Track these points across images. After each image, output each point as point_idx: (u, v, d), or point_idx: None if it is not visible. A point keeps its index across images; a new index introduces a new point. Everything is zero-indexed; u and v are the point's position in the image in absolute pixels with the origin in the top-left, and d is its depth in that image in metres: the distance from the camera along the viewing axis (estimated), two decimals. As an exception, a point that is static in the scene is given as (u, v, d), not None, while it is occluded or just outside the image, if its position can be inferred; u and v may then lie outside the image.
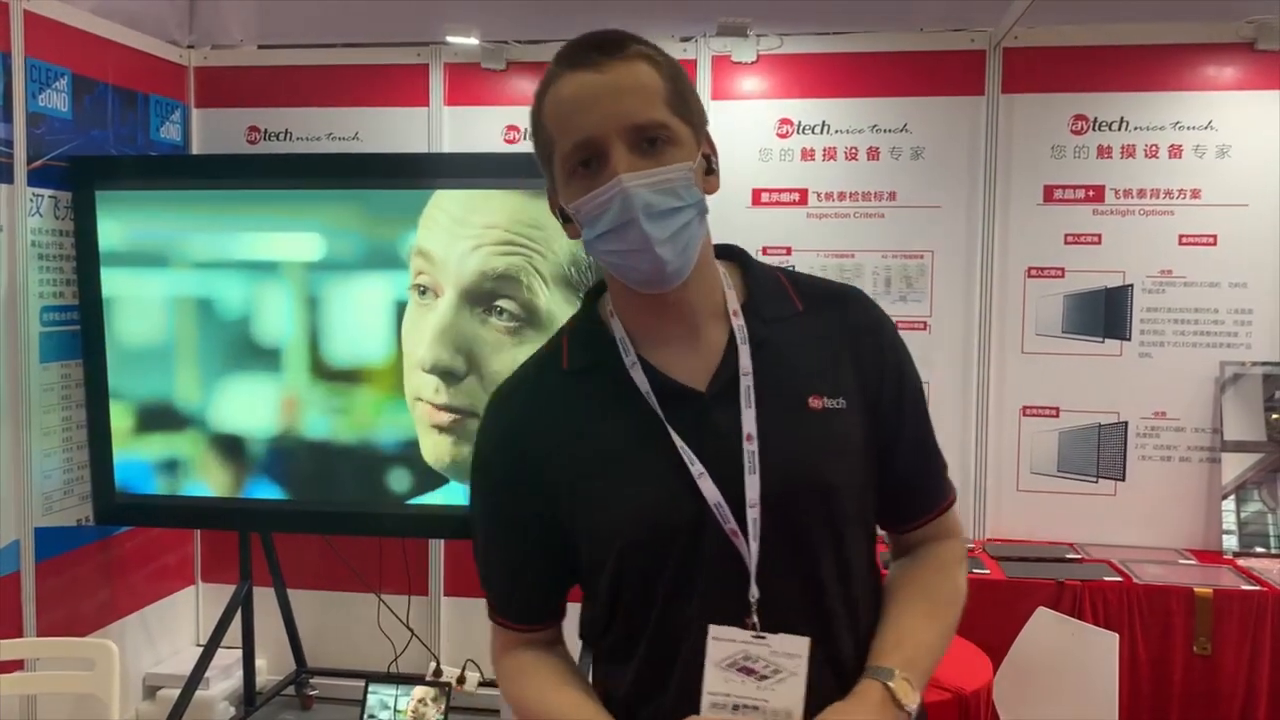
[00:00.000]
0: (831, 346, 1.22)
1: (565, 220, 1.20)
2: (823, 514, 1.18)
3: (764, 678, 1.13)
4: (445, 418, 3.02)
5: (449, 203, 3.02)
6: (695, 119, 1.17)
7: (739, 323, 1.20)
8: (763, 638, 1.14)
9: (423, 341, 3.02)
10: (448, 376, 3.00)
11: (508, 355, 2.95)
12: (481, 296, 2.97)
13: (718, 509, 1.14)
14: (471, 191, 3.02)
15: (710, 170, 1.19)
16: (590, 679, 1.30)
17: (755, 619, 1.15)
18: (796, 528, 1.17)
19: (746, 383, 1.17)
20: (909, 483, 1.29)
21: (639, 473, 1.18)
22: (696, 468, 1.15)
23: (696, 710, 1.14)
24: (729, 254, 1.29)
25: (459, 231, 2.99)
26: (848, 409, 1.20)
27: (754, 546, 1.14)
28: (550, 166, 1.18)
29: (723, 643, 1.14)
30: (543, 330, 2.92)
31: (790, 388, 1.19)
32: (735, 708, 1.13)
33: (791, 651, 1.13)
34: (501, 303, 2.96)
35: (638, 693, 1.21)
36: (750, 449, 1.15)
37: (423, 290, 3.02)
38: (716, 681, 1.14)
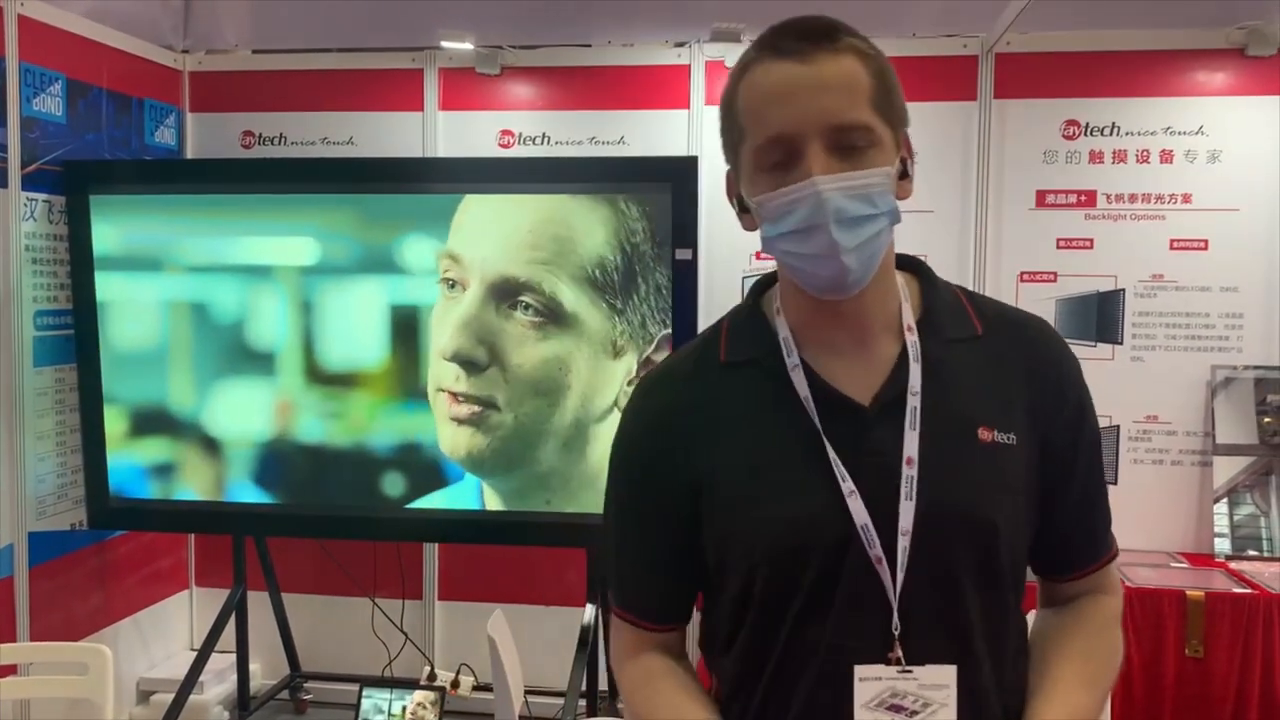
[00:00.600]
0: (1008, 376, 1.15)
1: (742, 210, 1.15)
2: (977, 551, 1.11)
3: (914, 713, 1.09)
4: (464, 410, 3.01)
5: (477, 207, 3.03)
6: (898, 119, 1.11)
7: (913, 339, 1.13)
8: (909, 672, 1.08)
9: (446, 331, 3.02)
10: (469, 366, 3.00)
11: (530, 350, 2.96)
12: (507, 292, 2.98)
13: (864, 531, 1.08)
14: (498, 196, 3.03)
15: (905, 174, 1.12)
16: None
17: (899, 653, 1.09)
18: (947, 562, 1.10)
19: (914, 403, 1.10)
20: (1073, 531, 1.22)
21: (786, 482, 1.11)
22: (848, 485, 1.09)
23: None
24: (910, 265, 1.23)
25: (486, 234, 3.00)
26: (1018, 445, 1.13)
27: (900, 576, 1.08)
28: (736, 154, 1.13)
29: (869, 682, 1.09)
30: (566, 328, 2.94)
31: (960, 415, 1.12)
32: None
33: (940, 683, 1.09)
34: (526, 297, 2.96)
35: (767, 716, 1.16)
36: (910, 473, 1.08)
37: (451, 284, 3.02)
38: None
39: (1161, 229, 3.40)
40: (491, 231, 3.01)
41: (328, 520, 3.23)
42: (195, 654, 3.44)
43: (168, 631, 3.80)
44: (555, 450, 2.96)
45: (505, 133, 3.67)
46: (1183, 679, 2.97)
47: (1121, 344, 3.43)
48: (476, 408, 3.00)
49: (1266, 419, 3.29)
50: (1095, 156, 3.42)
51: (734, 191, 1.16)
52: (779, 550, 1.11)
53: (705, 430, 1.15)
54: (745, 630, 1.16)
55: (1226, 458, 3.31)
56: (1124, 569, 3.15)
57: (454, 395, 3.01)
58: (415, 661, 3.70)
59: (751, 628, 1.15)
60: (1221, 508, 3.30)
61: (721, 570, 1.17)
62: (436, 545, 3.73)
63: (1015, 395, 1.14)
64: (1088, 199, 3.43)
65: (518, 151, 3.65)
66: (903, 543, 1.08)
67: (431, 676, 3.61)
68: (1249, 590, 2.98)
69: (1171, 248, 3.39)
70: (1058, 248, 3.45)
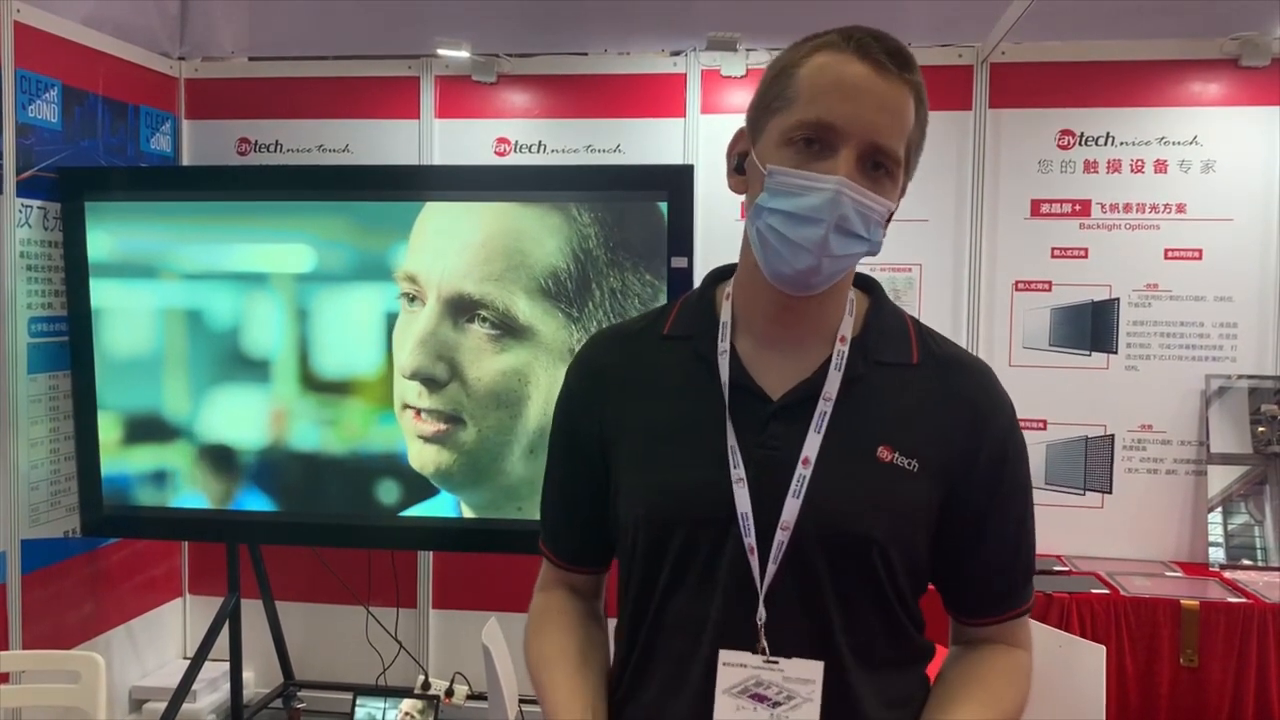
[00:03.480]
0: (929, 410, 1.17)
1: (738, 170, 1.18)
2: (849, 561, 1.13)
3: (776, 704, 1.10)
4: (429, 428, 3.02)
5: (435, 217, 3.03)
6: (912, 166, 1.16)
7: (842, 349, 1.17)
8: (775, 662, 1.10)
9: (406, 348, 3.03)
10: (430, 383, 3.01)
11: (489, 363, 2.96)
12: (463, 307, 2.98)
13: (743, 519, 1.11)
14: (455, 205, 3.03)
15: (890, 217, 1.15)
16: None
17: (764, 643, 1.11)
18: (818, 564, 1.12)
19: (824, 408, 1.14)
20: (985, 580, 1.24)
21: (682, 454, 1.16)
22: (738, 471, 1.12)
23: (681, 716, 1.12)
24: (866, 286, 1.26)
25: (443, 247, 3.01)
26: (918, 473, 1.14)
27: (771, 569, 1.11)
28: (766, 116, 1.13)
29: (733, 668, 1.10)
30: (523, 339, 2.94)
31: (866, 432, 1.14)
32: None
33: (805, 677, 1.10)
34: (483, 312, 2.97)
35: (634, 684, 1.20)
36: (804, 473, 1.11)
37: (411, 298, 3.03)
38: (727, 709, 1.10)
39: (1156, 239, 3.41)
40: (447, 245, 3.01)
41: (322, 528, 3.21)
42: (188, 662, 3.42)
43: (161, 640, 3.79)
44: (522, 459, 2.98)
45: (501, 140, 3.68)
46: (1177, 689, 2.97)
47: (1116, 353, 3.44)
48: (442, 425, 3.01)
49: (1261, 428, 3.30)
50: (1090, 166, 3.43)
51: (739, 149, 1.19)
52: (655, 516, 1.16)
53: (627, 390, 1.21)
54: (631, 596, 1.21)
55: (1221, 467, 3.32)
56: (1119, 578, 3.15)
57: (417, 412, 3.02)
58: (409, 670, 3.69)
59: (634, 596, 1.20)
60: (1216, 517, 3.30)
61: (616, 525, 1.22)
62: (431, 554, 3.73)
63: (931, 428, 1.16)
64: (1082, 208, 3.44)
65: (514, 160, 3.65)
66: (781, 536, 1.11)
67: (425, 685, 3.60)
68: (1243, 600, 2.98)
69: (1166, 257, 3.40)
70: (1052, 257, 3.46)
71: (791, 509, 1.11)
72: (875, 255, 1.13)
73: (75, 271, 3.17)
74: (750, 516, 1.11)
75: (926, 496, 1.15)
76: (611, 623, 1.33)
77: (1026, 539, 1.26)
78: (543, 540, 1.34)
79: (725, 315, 1.20)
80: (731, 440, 1.13)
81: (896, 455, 1.14)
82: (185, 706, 3.35)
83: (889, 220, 1.14)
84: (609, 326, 1.33)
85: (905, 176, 1.14)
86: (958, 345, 1.26)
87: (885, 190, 1.10)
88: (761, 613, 1.11)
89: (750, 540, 1.11)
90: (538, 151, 3.66)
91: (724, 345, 1.18)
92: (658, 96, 3.57)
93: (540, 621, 1.29)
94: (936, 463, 1.15)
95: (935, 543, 1.19)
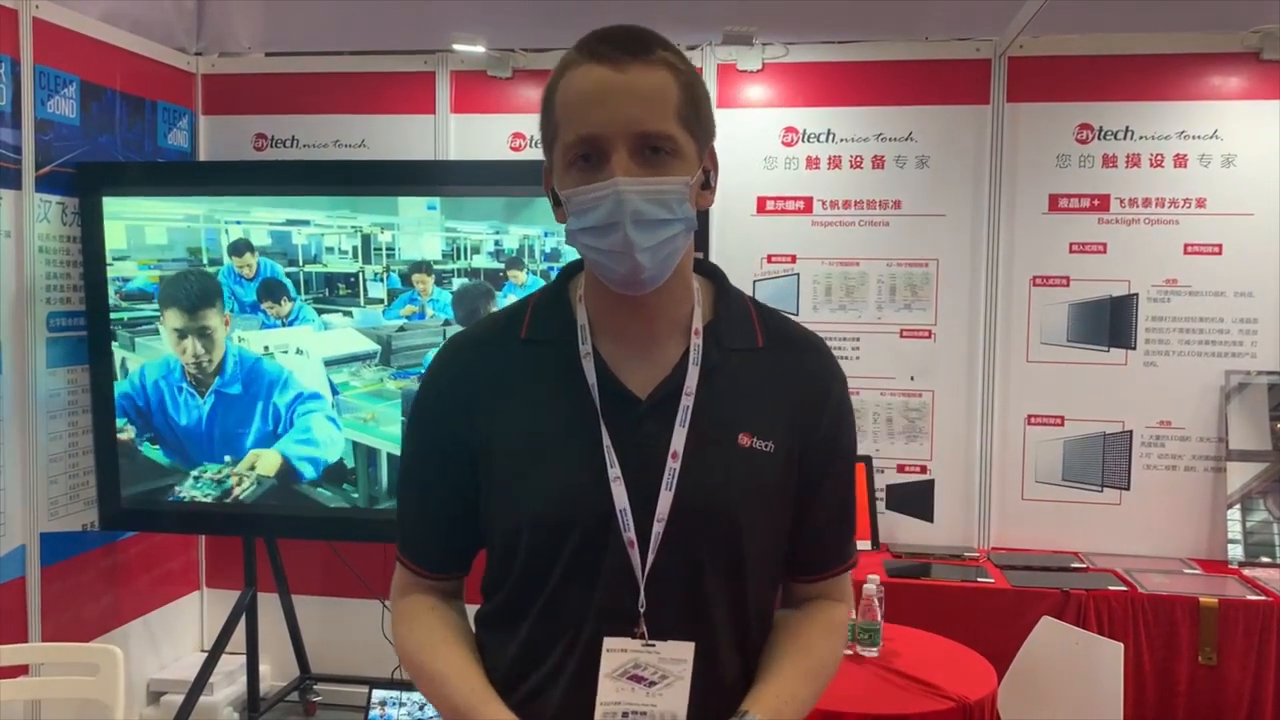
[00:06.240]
0: (778, 390, 1.24)
1: (556, 203, 1.20)
2: (721, 543, 1.19)
3: (652, 684, 1.17)
4: None
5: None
6: (703, 132, 1.17)
7: (697, 342, 1.22)
8: (652, 645, 1.17)
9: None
10: None
11: None
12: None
13: (622, 515, 1.17)
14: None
15: (707, 185, 1.19)
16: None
17: (644, 628, 1.18)
18: (694, 550, 1.18)
19: (686, 403, 1.19)
20: (818, 537, 1.30)
21: (559, 460, 1.19)
22: (614, 470, 1.17)
23: (577, 702, 1.17)
24: (707, 272, 1.30)
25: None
26: (775, 452, 1.21)
27: (650, 559, 1.17)
28: (551, 149, 1.18)
29: (615, 654, 1.17)
30: None
31: (726, 420, 1.20)
32: (625, 715, 1.17)
33: (677, 657, 1.17)
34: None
35: (518, 672, 1.23)
36: (673, 466, 1.17)
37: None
38: (609, 691, 1.17)
39: (1175, 233, 3.38)
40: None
41: (339, 522, 3.23)
42: (205, 655, 3.45)
43: (178, 633, 3.82)
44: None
45: (516, 135, 3.68)
46: (1195, 686, 2.95)
47: (1135, 349, 3.41)
48: None
49: (1281, 425, 3.28)
50: (1108, 160, 3.41)
51: (549, 184, 1.21)
52: (541, 522, 1.19)
53: (493, 399, 1.23)
54: (508, 590, 1.25)
55: (1240, 463, 3.29)
56: (1137, 575, 3.13)
57: None
58: (425, 664, 3.70)
59: (513, 590, 1.24)
60: (1235, 514, 3.28)
61: (490, 532, 1.25)
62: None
63: (781, 407, 1.23)
64: (1101, 203, 3.42)
65: (529, 155, 3.65)
66: (657, 529, 1.17)
67: (441, 679, 3.61)
68: (1262, 597, 2.96)
69: (1185, 252, 3.38)
70: (1070, 252, 3.43)
71: (665, 501, 1.17)
72: (695, 229, 1.16)
73: (93, 266, 3.19)
74: (629, 512, 1.17)
75: (784, 475, 1.23)
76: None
77: (851, 496, 1.34)
78: (401, 552, 1.33)
79: (582, 317, 1.23)
80: (606, 441, 1.18)
81: (755, 439, 1.20)
82: (202, 699, 3.38)
83: (706, 187, 1.18)
84: (464, 333, 1.32)
85: (699, 142, 1.16)
86: (792, 321, 1.32)
87: (672, 168, 1.13)
88: (642, 600, 1.17)
89: (630, 535, 1.17)
90: (553, 146, 3.65)
91: (585, 348, 1.21)
92: (673, 91, 3.55)
93: (412, 622, 1.29)
94: (790, 441, 1.23)
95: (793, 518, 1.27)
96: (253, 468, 3.17)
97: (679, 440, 1.18)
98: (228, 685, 3.66)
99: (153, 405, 3.19)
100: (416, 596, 1.31)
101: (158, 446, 3.21)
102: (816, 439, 1.25)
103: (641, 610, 1.17)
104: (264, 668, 3.72)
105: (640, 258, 1.12)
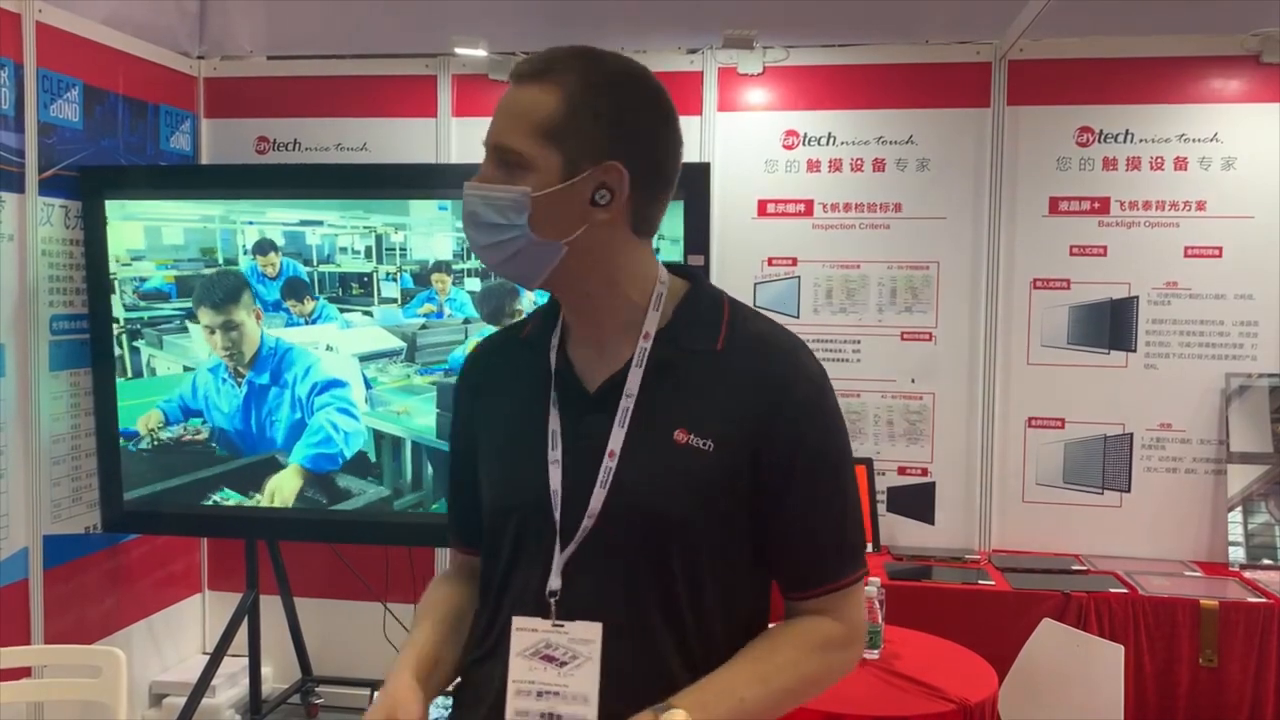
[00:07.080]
0: (729, 390, 1.23)
1: None
2: (649, 538, 1.20)
3: (563, 664, 1.20)
4: None
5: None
6: (584, 150, 1.19)
7: (645, 345, 1.25)
8: (560, 626, 1.21)
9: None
10: None
11: None
12: None
13: (554, 496, 1.22)
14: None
15: (595, 203, 1.20)
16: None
17: (553, 608, 1.22)
18: (619, 542, 1.21)
19: (626, 404, 1.23)
20: (795, 554, 1.27)
21: (515, 446, 1.28)
22: (554, 455, 1.24)
23: (500, 678, 1.22)
24: (689, 276, 1.32)
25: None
26: (713, 450, 1.21)
27: (572, 548, 1.21)
28: None
29: (525, 633, 1.22)
30: None
31: (664, 417, 1.22)
32: (539, 694, 1.20)
33: (586, 638, 1.20)
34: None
35: (474, 649, 1.31)
36: (610, 464, 1.21)
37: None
38: (521, 670, 1.21)
39: (1175, 236, 3.39)
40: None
41: (340, 524, 3.23)
42: (208, 658, 3.45)
43: (180, 635, 3.82)
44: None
45: (518, 139, 3.68)
46: (1196, 689, 2.96)
47: (1135, 351, 3.42)
48: None
49: (1281, 427, 3.28)
50: (1109, 163, 3.41)
51: None
52: (496, 504, 1.30)
53: (489, 388, 1.36)
54: (482, 569, 1.34)
55: (1241, 466, 3.29)
56: (1137, 577, 3.13)
57: None
58: (426, 666, 3.70)
59: (483, 569, 1.33)
60: (1236, 516, 3.28)
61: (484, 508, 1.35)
62: (447, 550, 3.73)
63: (731, 410, 1.22)
64: (1101, 206, 3.42)
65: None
66: (587, 523, 1.21)
67: (442, 681, 3.61)
68: (1263, 600, 2.97)
69: (1185, 255, 3.38)
70: (1071, 254, 3.44)
71: (598, 498, 1.21)
72: (542, 240, 1.19)
73: (96, 269, 3.20)
74: (559, 494, 1.22)
75: (721, 473, 1.21)
76: None
77: (837, 514, 1.27)
78: (448, 530, 1.47)
79: (563, 320, 1.32)
80: (554, 425, 1.25)
81: (692, 436, 1.21)
82: (204, 701, 3.38)
83: (593, 204, 1.20)
84: (490, 333, 1.46)
85: (570, 158, 1.19)
86: (772, 323, 1.31)
87: (524, 180, 1.19)
88: (554, 581, 1.21)
89: (557, 515, 1.22)
90: (554, 149, 3.65)
91: (554, 340, 1.30)
92: (674, 94, 3.51)
93: (428, 591, 1.43)
94: (734, 440, 1.21)
95: (753, 520, 1.25)
96: (273, 498, 3.19)
97: (617, 440, 1.22)
98: (230, 687, 3.66)
99: (208, 404, 3.22)
100: (454, 571, 1.45)
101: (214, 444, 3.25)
102: (775, 445, 1.22)
103: (550, 592, 1.21)
104: (266, 670, 3.73)
105: (483, 255, 1.24)
